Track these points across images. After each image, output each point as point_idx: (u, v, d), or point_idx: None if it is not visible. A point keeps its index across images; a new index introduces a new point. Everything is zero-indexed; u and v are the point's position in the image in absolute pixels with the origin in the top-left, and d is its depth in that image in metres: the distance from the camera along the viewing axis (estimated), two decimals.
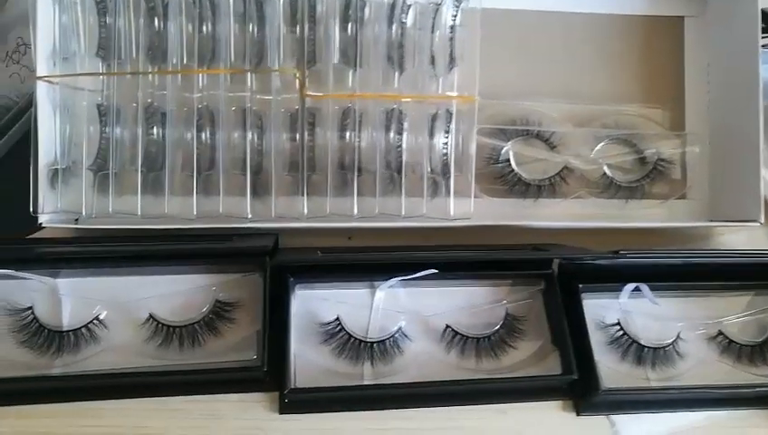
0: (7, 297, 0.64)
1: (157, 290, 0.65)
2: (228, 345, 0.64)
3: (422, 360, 0.66)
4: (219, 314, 0.65)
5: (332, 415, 0.64)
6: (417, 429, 0.64)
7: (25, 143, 0.74)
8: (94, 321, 0.63)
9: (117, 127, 0.68)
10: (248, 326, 0.65)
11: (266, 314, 0.62)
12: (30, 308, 0.63)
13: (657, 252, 0.69)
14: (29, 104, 0.75)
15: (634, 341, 0.68)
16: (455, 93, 0.69)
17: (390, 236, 0.73)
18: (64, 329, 0.63)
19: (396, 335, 0.66)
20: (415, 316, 0.68)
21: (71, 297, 0.64)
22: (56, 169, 0.67)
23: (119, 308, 0.64)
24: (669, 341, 0.69)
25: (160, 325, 0.64)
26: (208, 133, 0.69)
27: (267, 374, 0.61)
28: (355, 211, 0.68)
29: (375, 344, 0.65)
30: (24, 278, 0.63)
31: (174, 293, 0.65)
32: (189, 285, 0.66)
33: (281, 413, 0.63)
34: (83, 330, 0.63)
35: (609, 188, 0.77)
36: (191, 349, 0.64)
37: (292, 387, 0.61)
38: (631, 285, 0.69)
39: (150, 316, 0.64)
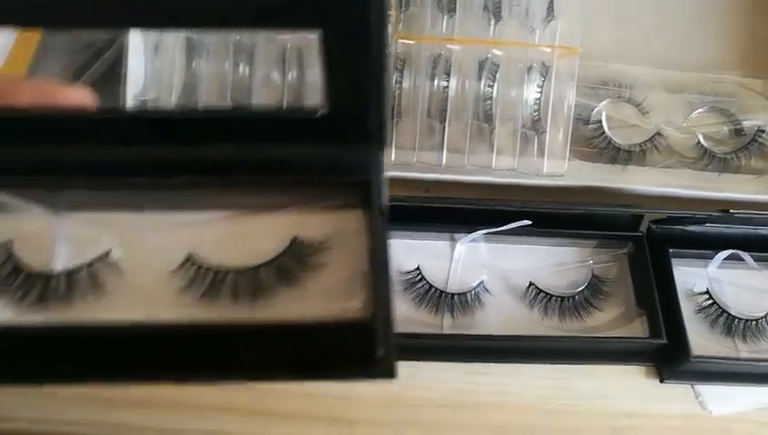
0: None
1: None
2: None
3: (504, 315, 0.64)
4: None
5: (409, 363, 0.62)
6: (496, 383, 0.62)
7: (108, 80, 0.74)
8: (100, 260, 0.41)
9: (205, 62, 0.67)
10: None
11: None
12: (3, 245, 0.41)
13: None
14: (112, 40, 0.75)
15: (724, 310, 0.65)
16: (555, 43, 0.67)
17: (470, 193, 0.71)
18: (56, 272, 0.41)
19: (477, 289, 0.65)
20: (496, 272, 0.66)
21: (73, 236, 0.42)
22: (144, 102, 0.67)
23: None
24: (762, 313, 0.66)
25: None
26: (295, 75, 0.68)
27: None
28: (443, 161, 0.67)
29: (455, 296, 0.64)
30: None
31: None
32: None
33: None
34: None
35: (702, 158, 0.74)
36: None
37: None
38: (724, 253, 0.66)
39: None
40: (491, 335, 0.62)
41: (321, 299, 0.40)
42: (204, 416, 0.59)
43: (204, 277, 0.40)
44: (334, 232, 0.42)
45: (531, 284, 0.65)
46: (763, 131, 0.74)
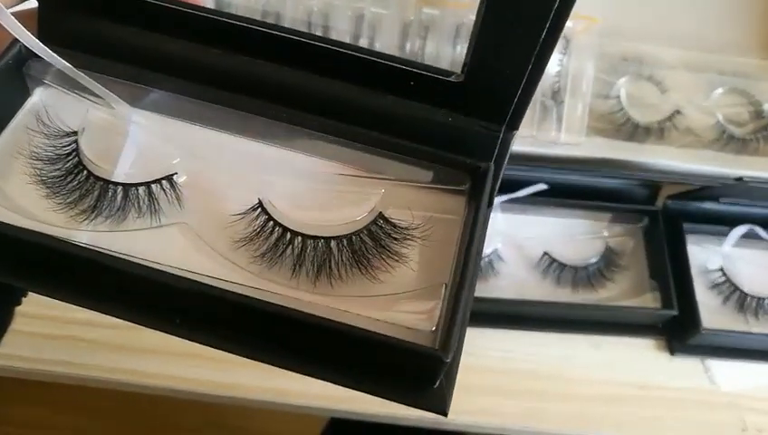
0: (58, 113, 0.36)
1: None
2: None
3: (517, 283, 0.65)
4: None
5: None
6: (506, 350, 0.63)
7: None
8: (164, 181, 0.35)
9: None
10: None
11: None
12: (74, 134, 0.36)
13: None
14: None
15: (737, 288, 0.65)
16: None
17: None
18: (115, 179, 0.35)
19: (491, 256, 0.65)
20: (511, 240, 0.67)
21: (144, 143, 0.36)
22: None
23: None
24: None
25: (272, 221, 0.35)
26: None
27: None
28: None
29: None
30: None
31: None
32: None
33: None
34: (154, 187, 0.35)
35: (719, 139, 0.74)
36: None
37: None
38: (740, 229, 0.66)
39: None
40: (502, 299, 0.62)
41: (389, 297, 0.34)
42: (215, 367, 0.60)
43: (269, 234, 0.34)
44: (426, 219, 0.36)
45: (545, 253, 0.66)
46: None
